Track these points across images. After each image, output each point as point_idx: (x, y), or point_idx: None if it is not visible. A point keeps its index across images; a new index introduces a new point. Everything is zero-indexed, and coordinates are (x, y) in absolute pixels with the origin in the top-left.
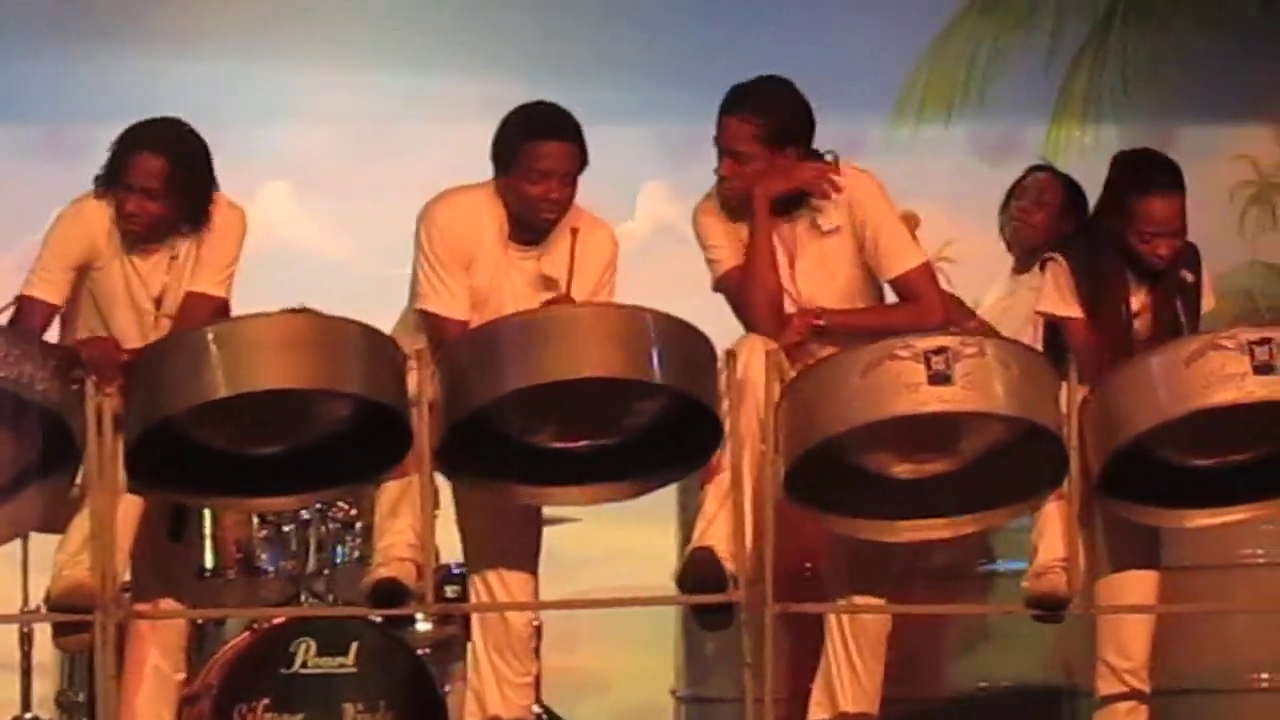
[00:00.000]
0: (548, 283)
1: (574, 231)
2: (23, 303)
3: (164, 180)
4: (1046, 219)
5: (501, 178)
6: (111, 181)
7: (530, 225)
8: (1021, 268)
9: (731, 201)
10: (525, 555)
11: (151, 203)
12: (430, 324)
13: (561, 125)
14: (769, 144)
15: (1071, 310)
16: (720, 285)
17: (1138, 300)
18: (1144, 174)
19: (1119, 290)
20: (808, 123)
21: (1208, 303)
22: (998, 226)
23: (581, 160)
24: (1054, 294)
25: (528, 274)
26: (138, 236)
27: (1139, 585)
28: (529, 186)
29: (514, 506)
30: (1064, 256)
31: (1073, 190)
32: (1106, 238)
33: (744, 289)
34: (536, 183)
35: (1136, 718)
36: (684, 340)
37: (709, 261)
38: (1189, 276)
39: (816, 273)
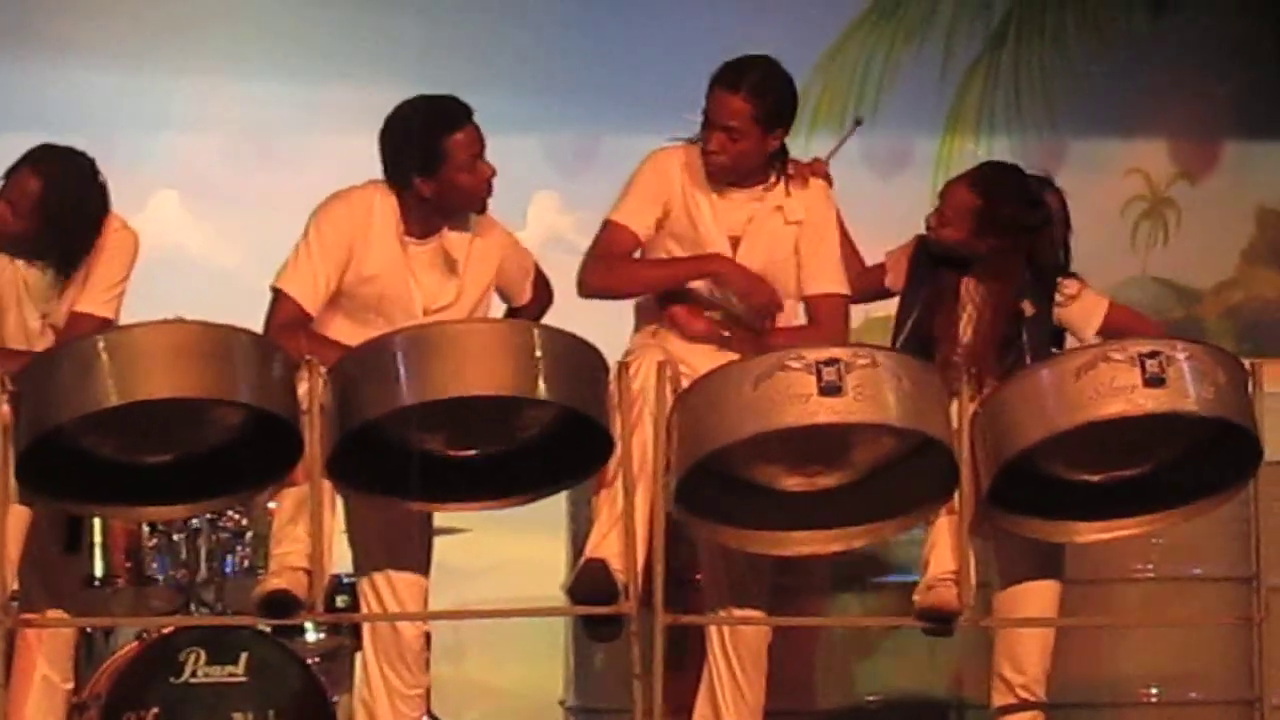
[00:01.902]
0: (450, 263)
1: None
2: None
3: (33, 202)
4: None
5: (418, 178)
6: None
7: (464, 209)
8: None
9: (714, 174)
10: (416, 562)
11: (14, 219)
12: (275, 301)
13: (465, 108)
14: (762, 124)
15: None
16: (606, 229)
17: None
18: None
19: (933, 280)
20: (795, 108)
21: (1096, 320)
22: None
23: None
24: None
25: (426, 262)
26: None
27: (1036, 597)
28: (465, 176)
29: (405, 514)
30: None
31: None
32: None
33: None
34: (472, 170)
35: None
36: (573, 354)
37: (622, 196)
38: (1029, 309)
39: (768, 251)
